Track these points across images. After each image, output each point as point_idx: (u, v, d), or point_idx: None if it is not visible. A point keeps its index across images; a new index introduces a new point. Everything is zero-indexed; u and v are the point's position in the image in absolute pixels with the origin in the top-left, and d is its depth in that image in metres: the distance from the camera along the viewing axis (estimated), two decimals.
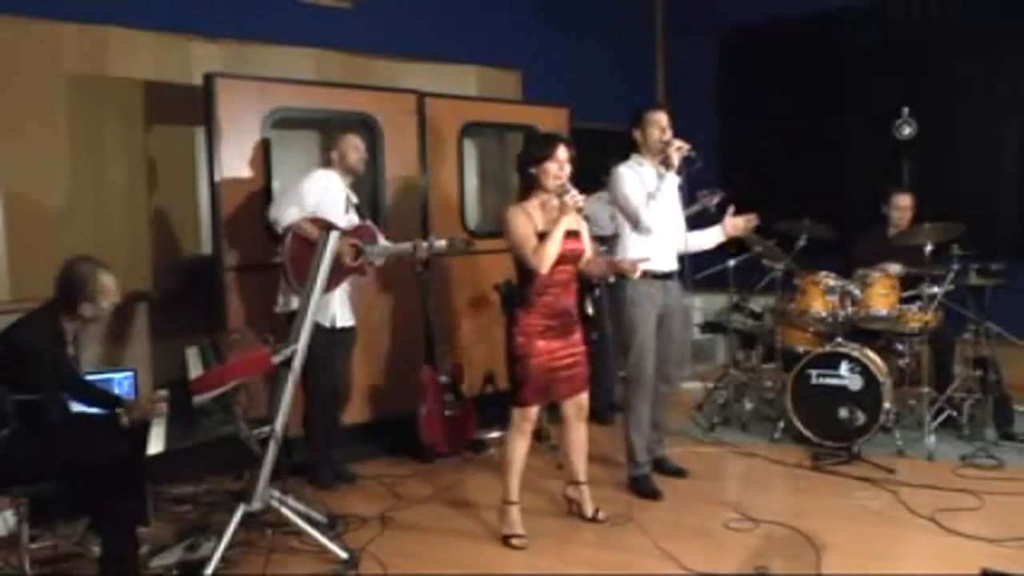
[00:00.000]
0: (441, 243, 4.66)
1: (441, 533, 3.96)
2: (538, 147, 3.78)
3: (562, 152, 3.72)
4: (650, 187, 4.26)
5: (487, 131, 6.10)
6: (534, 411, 3.81)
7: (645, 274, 4.27)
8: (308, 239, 4.20)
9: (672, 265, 4.39)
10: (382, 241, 4.62)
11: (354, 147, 4.50)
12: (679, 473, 4.59)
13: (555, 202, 3.72)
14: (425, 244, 4.60)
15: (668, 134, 4.30)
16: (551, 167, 3.69)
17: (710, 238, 4.53)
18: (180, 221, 5.04)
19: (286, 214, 4.27)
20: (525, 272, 3.73)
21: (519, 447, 3.81)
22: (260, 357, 3.52)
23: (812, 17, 7.42)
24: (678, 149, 4.20)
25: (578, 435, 4.00)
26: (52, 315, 3.35)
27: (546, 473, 4.55)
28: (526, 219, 3.70)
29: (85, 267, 3.33)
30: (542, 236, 3.66)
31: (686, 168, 4.25)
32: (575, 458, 4.03)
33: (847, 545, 3.67)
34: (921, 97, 6.50)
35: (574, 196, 3.64)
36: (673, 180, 4.26)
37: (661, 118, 4.33)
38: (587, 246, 3.87)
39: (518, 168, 3.83)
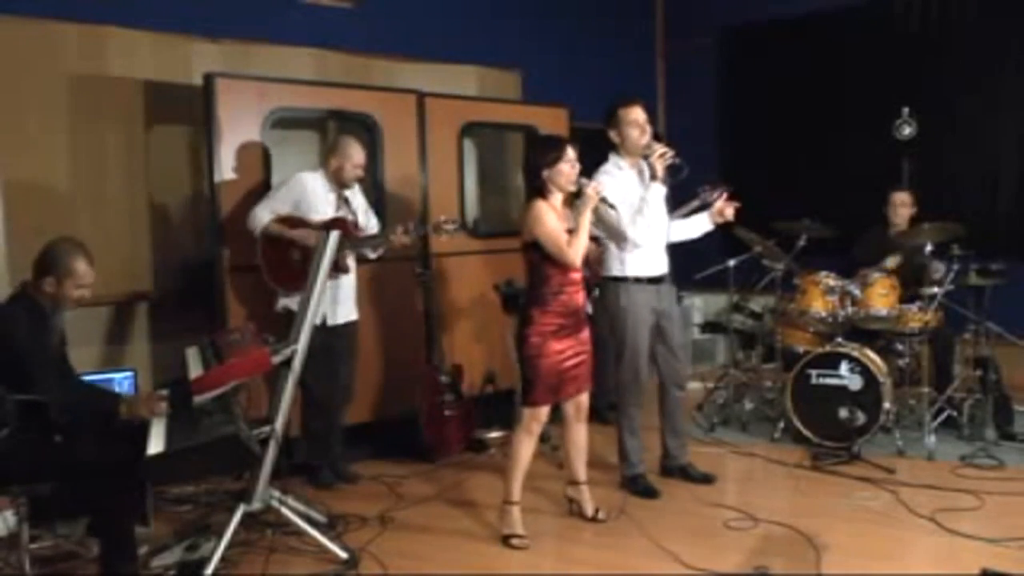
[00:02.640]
0: (420, 229, 4.57)
1: (441, 533, 3.96)
2: (549, 150, 3.74)
3: (571, 151, 3.72)
4: (632, 191, 4.14)
5: (487, 131, 6.10)
6: (544, 411, 3.80)
7: (638, 279, 4.24)
8: (280, 238, 4.27)
9: (663, 268, 4.32)
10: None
11: (352, 162, 4.42)
12: (707, 479, 4.47)
13: (558, 202, 3.73)
14: (400, 228, 4.36)
15: (648, 133, 4.15)
16: (564, 167, 3.69)
17: (698, 227, 4.41)
18: (180, 221, 5.04)
19: (258, 219, 4.32)
20: (540, 271, 3.71)
21: (526, 447, 3.81)
22: (260, 357, 3.52)
23: (812, 17, 7.43)
24: (661, 156, 4.05)
25: (578, 435, 4.00)
26: (23, 290, 3.34)
27: (546, 473, 4.55)
28: (554, 214, 3.69)
29: (64, 246, 3.34)
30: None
31: (672, 177, 4.11)
32: (575, 458, 4.03)
33: (847, 545, 3.68)
34: (921, 97, 6.51)
35: (595, 186, 3.67)
36: (659, 190, 4.13)
37: (638, 116, 4.15)
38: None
39: (527, 173, 3.75)
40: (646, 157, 4.15)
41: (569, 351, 3.76)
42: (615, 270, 4.28)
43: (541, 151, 3.77)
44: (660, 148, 4.08)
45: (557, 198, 3.74)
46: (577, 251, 3.64)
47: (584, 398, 3.94)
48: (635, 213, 4.11)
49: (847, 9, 7.28)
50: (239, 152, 4.60)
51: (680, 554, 3.58)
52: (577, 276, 3.77)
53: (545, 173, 3.69)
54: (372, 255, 4.62)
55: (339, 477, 4.59)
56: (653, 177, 4.13)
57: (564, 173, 3.68)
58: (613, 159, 4.26)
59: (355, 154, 4.44)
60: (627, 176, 4.23)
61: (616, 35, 7.84)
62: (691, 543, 3.72)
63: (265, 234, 4.33)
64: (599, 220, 4.21)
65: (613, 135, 4.23)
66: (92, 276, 3.35)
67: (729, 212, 4.35)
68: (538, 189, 3.72)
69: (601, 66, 7.41)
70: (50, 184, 4.57)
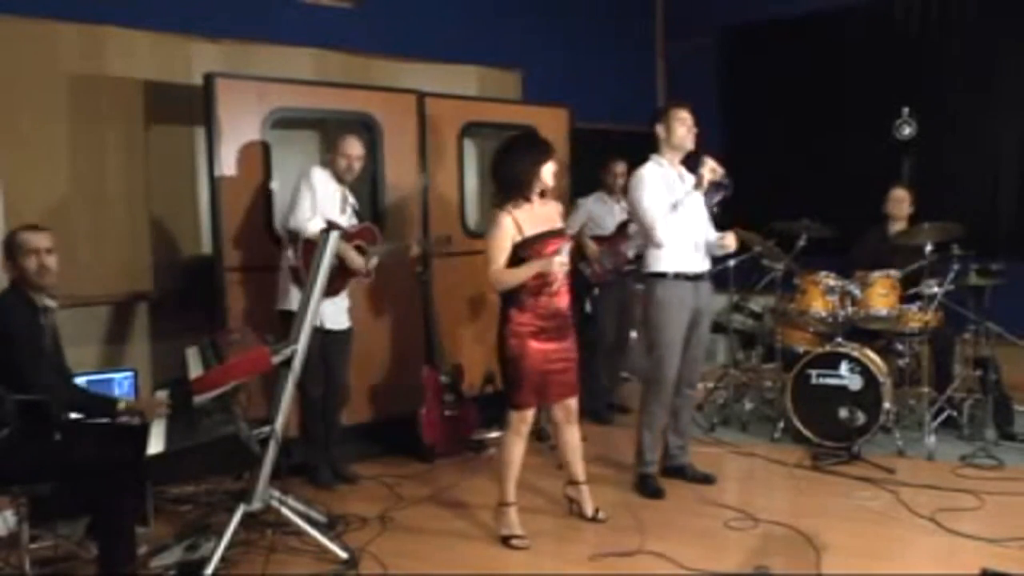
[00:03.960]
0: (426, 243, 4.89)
1: (441, 533, 3.96)
2: (538, 151, 3.75)
3: (551, 164, 3.75)
4: (673, 189, 4.19)
5: (487, 131, 6.09)
6: (531, 413, 3.81)
7: (677, 275, 4.24)
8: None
9: (704, 266, 4.32)
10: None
11: (344, 154, 4.42)
12: (707, 479, 4.47)
13: (532, 204, 3.74)
14: (416, 242, 4.72)
15: (693, 132, 4.25)
16: (552, 168, 3.71)
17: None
18: (180, 221, 5.04)
19: (311, 225, 4.24)
20: None
21: (515, 449, 3.82)
22: (260, 357, 3.52)
23: (812, 17, 7.43)
24: (712, 171, 4.13)
25: (571, 437, 4.00)
26: (11, 285, 3.36)
27: (545, 473, 4.55)
28: (510, 230, 3.67)
29: (8, 235, 3.40)
30: (524, 244, 3.66)
31: (713, 193, 4.16)
32: (571, 459, 4.03)
33: (847, 545, 3.68)
34: (921, 97, 6.51)
35: (561, 261, 3.67)
36: (696, 198, 4.18)
37: (687, 116, 4.27)
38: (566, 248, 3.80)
39: (507, 174, 3.73)
40: (693, 171, 4.20)
41: (552, 354, 3.76)
42: (652, 266, 4.27)
43: (531, 151, 3.76)
44: (712, 163, 4.16)
45: (533, 202, 3.74)
46: (501, 282, 3.69)
47: (572, 402, 3.93)
48: (671, 209, 4.15)
49: (847, 9, 7.28)
50: (239, 152, 4.60)
51: (680, 554, 3.58)
52: (558, 279, 3.74)
53: (530, 173, 3.70)
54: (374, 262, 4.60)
55: (339, 477, 4.59)
56: (698, 185, 4.17)
57: (552, 173, 3.73)
58: (655, 158, 4.32)
59: (344, 145, 4.45)
60: (667, 173, 4.27)
61: (616, 35, 7.84)
62: (691, 543, 3.72)
63: (311, 239, 4.25)
64: (633, 208, 4.29)
65: (660, 129, 4.29)
66: (43, 239, 3.32)
67: (730, 242, 4.32)
68: (513, 192, 3.71)
69: (601, 66, 7.41)
70: (50, 184, 4.57)
